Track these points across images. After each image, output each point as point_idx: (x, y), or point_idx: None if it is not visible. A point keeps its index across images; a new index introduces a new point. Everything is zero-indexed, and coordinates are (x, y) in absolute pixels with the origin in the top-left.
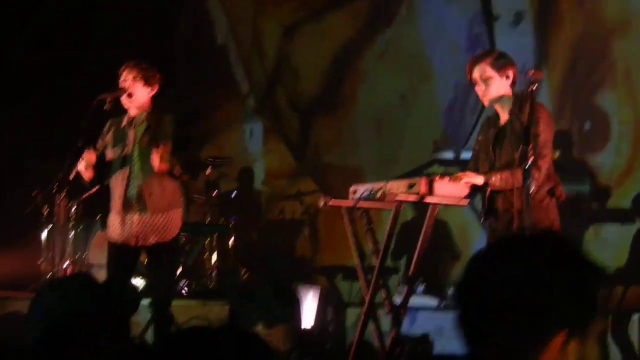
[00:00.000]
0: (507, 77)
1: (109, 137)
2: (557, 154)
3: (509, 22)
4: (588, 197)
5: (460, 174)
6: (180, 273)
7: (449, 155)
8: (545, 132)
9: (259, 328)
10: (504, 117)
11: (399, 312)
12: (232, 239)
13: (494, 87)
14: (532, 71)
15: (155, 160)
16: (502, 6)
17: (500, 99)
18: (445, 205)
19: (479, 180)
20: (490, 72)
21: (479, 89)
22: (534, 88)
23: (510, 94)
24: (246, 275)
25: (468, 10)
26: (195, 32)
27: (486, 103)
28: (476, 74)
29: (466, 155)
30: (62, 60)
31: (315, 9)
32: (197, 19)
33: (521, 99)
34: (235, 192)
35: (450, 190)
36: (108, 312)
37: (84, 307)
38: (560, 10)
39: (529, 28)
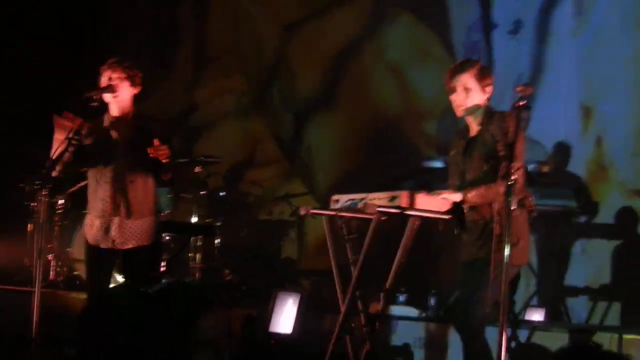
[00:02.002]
0: (486, 91)
1: (90, 139)
2: (546, 168)
3: (507, 30)
4: (576, 212)
5: (439, 191)
6: (164, 272)
7: (439, 164)
8: (519, 142)
9: None
10: (474, 128)
11: (374, 324)
12: (218, 238)
13: (472, 98)
14: (522, 87)
15: (161, 173)
16: (501, 14)
17: (473, 110)
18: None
19: (457, 197)
20: (472, 83)
21: (457, 97)
22: (522, 104)
23: (483, 105)
24: (230, 276)
25: (467, 16)
26: (195, 27)
27: (460, 113)
28: (457, 82)
29: None
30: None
31: (315, 8)
32: (197, 14)
33: (493, 113)
34: (224, 191)
35: (431, 205)
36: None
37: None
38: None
39: (528, 37)
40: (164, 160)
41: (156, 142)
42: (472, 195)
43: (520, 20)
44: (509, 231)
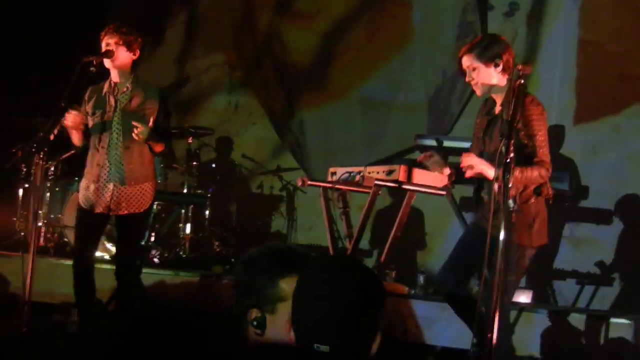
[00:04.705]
0: (496, 65)
1: (90, 104)
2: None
3: (503, 12)
4: (567, 195)
5: (475, 160)
6: (153, 241)
7: (431, 141)
8: (541, 131)
9: None
10: (498, 107)
11: None
12: (208, 210)
13: (482, 77)
14: (521, 65)
15: (154, 147)
16: None
17: (492, 88)
18: (423, 193)
19: (490, 173)
20: (475, 63)
21: (469, 78)
22: (522, 82)
23: (503, 83)
24: (219, 248)
25: None
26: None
27: (478, 93)
28: (465, 64)
29: (449, 143)
30: (54, 17)
31: None
32: None
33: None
34: (215, 163)
35: (429, 179)
36: None
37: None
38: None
39: (523, 20)
40: (138, 139)
41: (135, 124)
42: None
43: (516, 2)
44: (506, 206)
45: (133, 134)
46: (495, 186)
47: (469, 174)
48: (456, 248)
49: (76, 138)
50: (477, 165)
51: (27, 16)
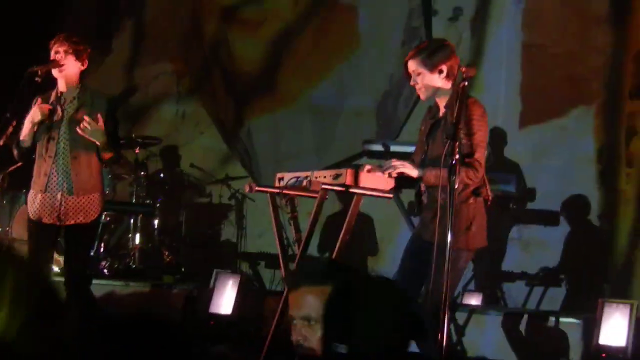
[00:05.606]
0: (440, 71)
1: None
2: (485, 153)
3: (447, 17)
4: (513, 197)
5: (396, 162)
6: (102, 252)
7: (379, 147)
8: (480, 131)
9: None
10: (441, 109)
11: None
12: (157, 220)
13: (426, 82)
14: (465, 68)
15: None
16: (442, 1)
17: (436, 91)
18: (370, 197)
19: (413, 173)
20: (420, 68)
21: (413, 83)
22: (465, 84)
23: (447, 86)
24: (169, 258)
25: (407, 3)
26: (135, 6)
27: (422, 97)
28: (410, 69)
29: (396, 148)
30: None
31: None
32: None
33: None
34: (163, 173)
35: (375, 183)
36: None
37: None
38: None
39: (467, 24)
40: (81, 133)
41: (85, 118)
42: (430, 174)
43: (459, 7)
44: (452, 210)
45: (78, 128)
46: (422, 186)
47: (393, 174)
48: (402, 262)
49: (28, 138)
50: (398, 165)
51: (27, 16)
